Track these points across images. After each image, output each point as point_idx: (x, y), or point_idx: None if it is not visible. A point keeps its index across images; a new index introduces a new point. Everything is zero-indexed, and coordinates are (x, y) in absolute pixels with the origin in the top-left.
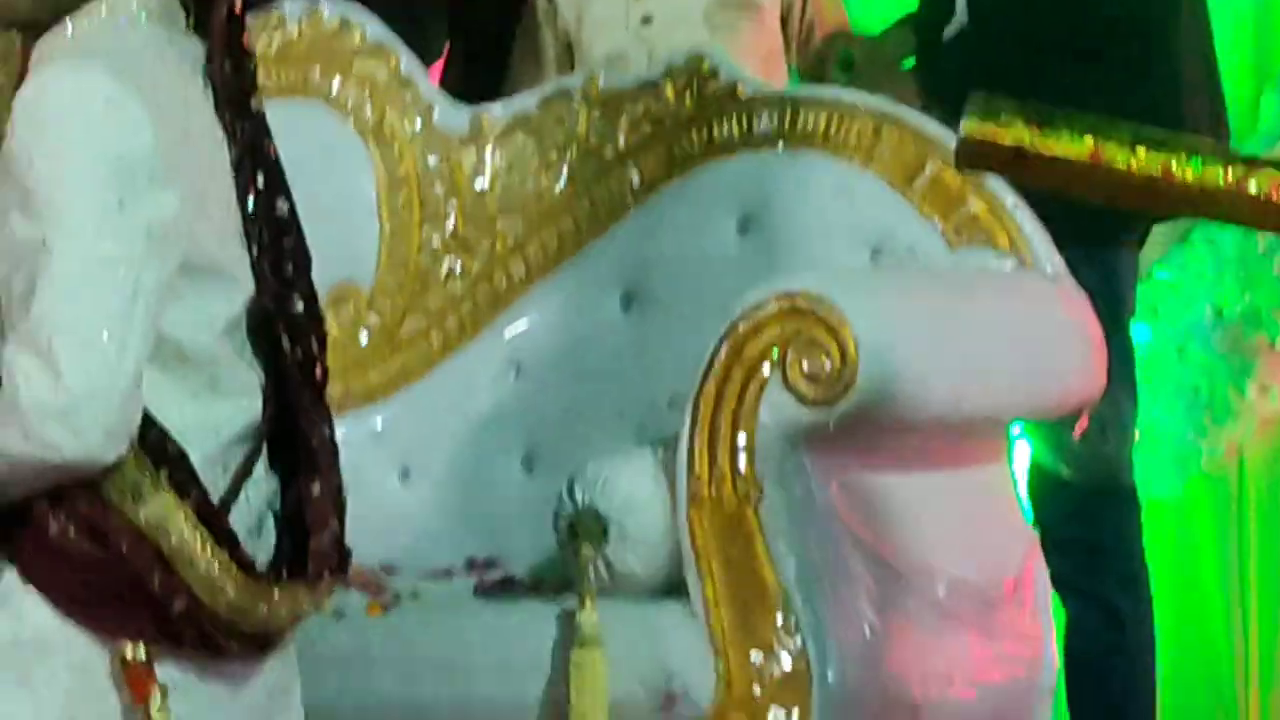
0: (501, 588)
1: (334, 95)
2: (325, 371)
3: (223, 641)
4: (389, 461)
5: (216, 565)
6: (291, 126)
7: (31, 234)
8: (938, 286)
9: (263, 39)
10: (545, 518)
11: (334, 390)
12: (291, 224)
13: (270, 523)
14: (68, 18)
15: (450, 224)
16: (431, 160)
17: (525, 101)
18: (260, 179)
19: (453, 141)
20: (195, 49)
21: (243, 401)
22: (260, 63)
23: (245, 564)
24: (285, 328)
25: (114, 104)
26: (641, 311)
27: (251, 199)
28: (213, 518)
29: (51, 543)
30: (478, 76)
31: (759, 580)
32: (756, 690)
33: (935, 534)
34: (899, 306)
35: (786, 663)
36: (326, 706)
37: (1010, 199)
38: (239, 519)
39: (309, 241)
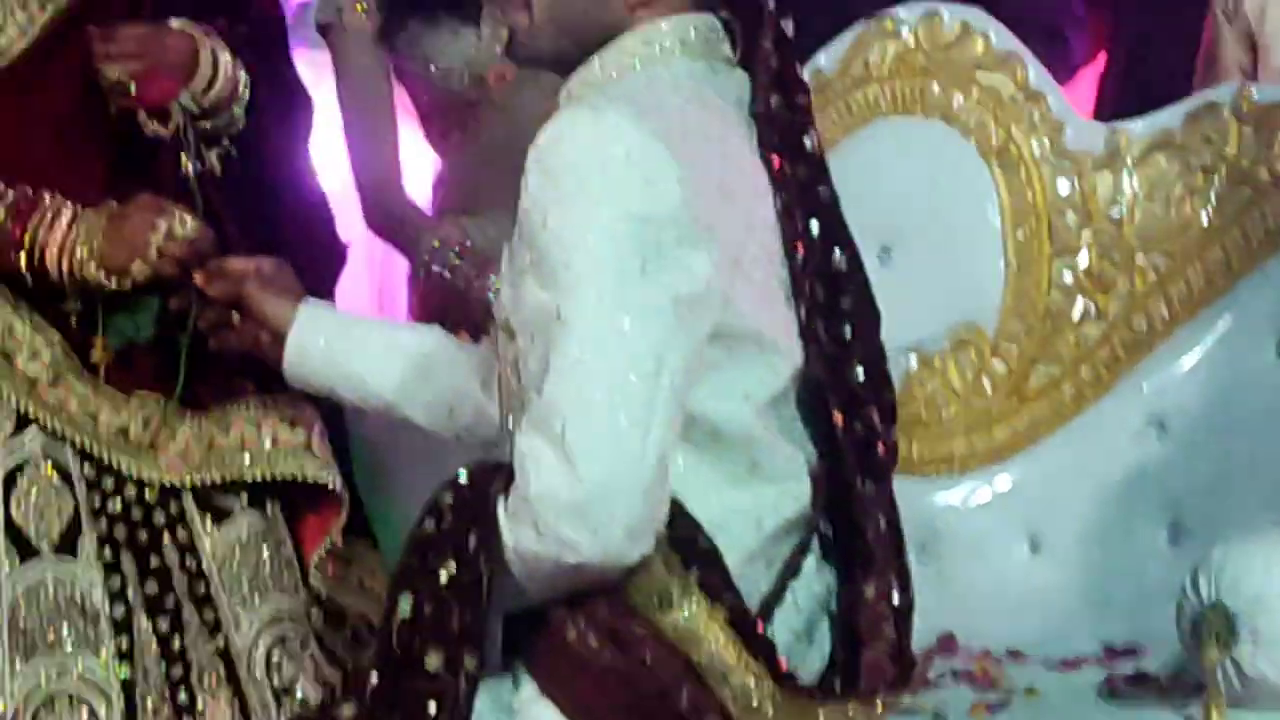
0: (1134, 684)
1: (954, 112)
2: (891, 450)
3: None
4: (1016, 529)
5: (753, 679)
6: (908, 148)
7: (545, 303)
8: None
9: (875, 49)
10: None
11: (956, 447)
12: (851, 277)
13: (824, 626)
14: (595, 54)
15: (1084, 258)
16: (1063, 186)
17: (1168, 117)
18: (813, 227)
19: (1086, 164)
20: (739, 82)
21: (789, 486)
22: (873, 76)
23: (785, 679)
24: (840, 400)
25: (638, 154)
26: None
27: (801, 251)
28: (749, 625)
29: (570, 651)
30: (1134, 90)
31: None
32: None
33: None
34: None
35: None
36: None
37: None
38: (784, 623)
39: (925, 276)
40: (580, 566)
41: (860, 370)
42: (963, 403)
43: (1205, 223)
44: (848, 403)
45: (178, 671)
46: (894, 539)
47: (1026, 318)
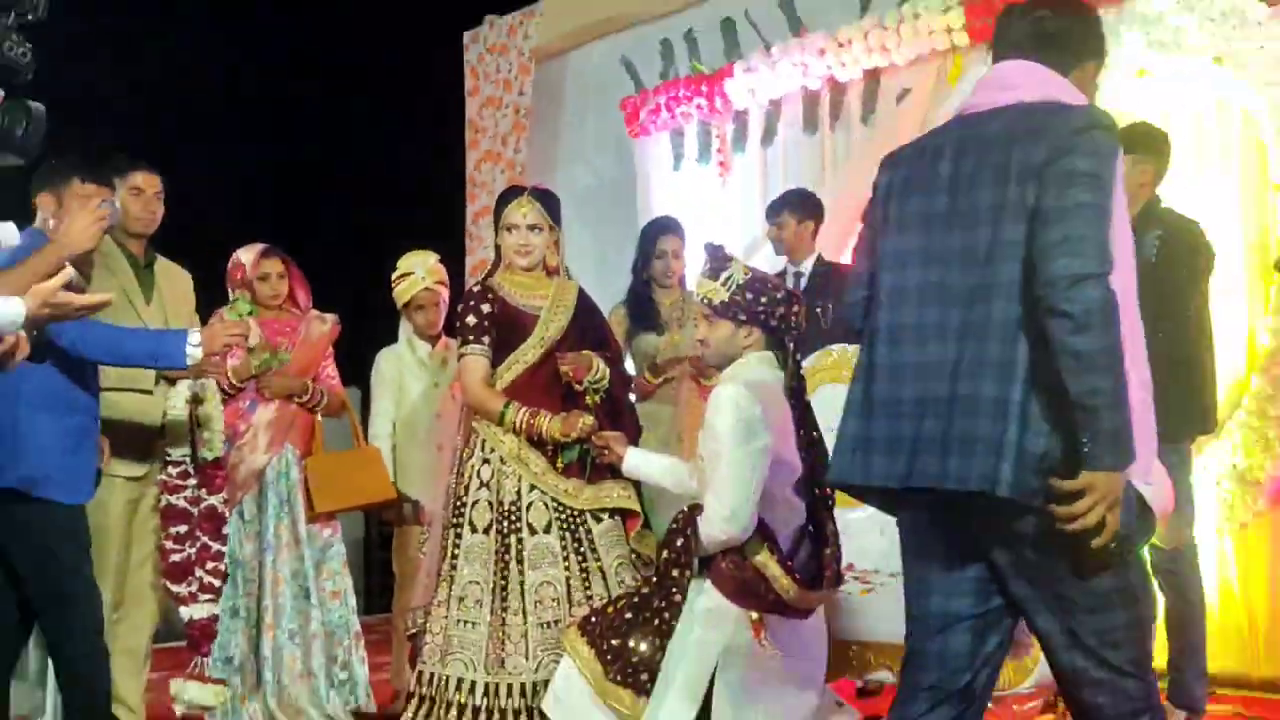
0: None
1: None
2: (833, 497)
3: (790, 612)
4: (873, 522)
5: (786, 580)
6: (832, 401)
7: (715, 450)
8: None
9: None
10: None
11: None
12: (819, 445)
13: (813, 563)
14: (736, 362)
15: None
16: None
17: None
18: (805, 424)
19: None
20: (782, 378)
21: (797, 511)
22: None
23: (798, 581)
24: (815, 478)
25: (746, 409)
26: None
27: (801, 432)
28: (784, 559)
29: (721, 569)
30: None
31: None
32: None
33: None
34: None
35: None
36: None
37: None
38: (797, 561)
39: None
40: (725, 541)
41: (822, 467)
42: None
43: None
44: (818, 479)
45: (582, 575)
46: (835, 531)
47: None
